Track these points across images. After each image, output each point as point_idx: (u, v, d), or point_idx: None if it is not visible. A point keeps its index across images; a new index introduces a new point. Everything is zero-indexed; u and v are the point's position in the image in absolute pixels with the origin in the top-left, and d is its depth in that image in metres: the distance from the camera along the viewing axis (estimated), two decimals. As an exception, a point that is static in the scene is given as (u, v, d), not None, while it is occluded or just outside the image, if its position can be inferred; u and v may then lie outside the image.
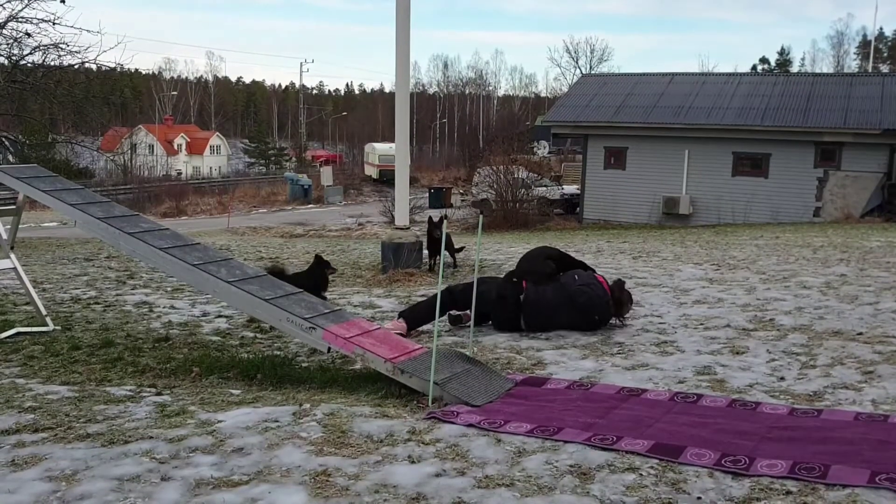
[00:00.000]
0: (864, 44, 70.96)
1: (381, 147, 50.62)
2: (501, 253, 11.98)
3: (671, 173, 23.50)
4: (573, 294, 6.16)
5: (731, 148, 22.88)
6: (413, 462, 3.42)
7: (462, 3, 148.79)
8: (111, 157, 44.43)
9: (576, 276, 6.42)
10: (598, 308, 6.15)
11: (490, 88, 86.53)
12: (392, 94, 17.76)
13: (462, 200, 30.69)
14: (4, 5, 16.29)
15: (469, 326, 5.67)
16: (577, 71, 70.68)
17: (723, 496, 3.08)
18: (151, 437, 3.70)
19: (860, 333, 5.93)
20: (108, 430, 3.81)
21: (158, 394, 4.69)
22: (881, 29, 78.64)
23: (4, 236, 6.51)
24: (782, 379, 4.83)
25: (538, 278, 6.31)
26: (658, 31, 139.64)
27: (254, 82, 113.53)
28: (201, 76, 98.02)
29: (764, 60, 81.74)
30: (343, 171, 52.31)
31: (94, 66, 17.97)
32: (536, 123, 53.03)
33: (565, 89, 52.88)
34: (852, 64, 74.82)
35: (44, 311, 6.57)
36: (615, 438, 3.67)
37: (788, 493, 3.10)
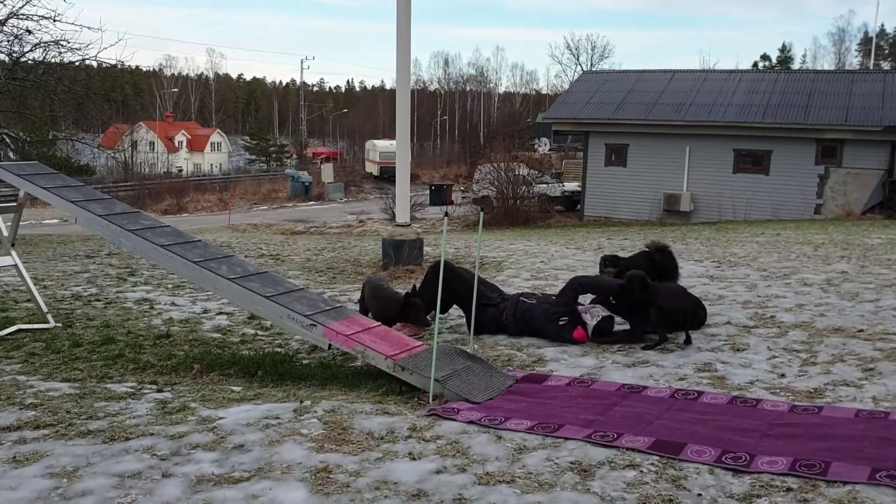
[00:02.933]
0: (866, 41, 70.81)
1: (382, 144, 50.55)
2: (502, 250, 11.98)
3: (672, 170, 23.47)
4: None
5: (732, 145, 22.85)
6: (414, 459, 3.43)
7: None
8: (112, 154, 44.39)
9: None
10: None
11: (491, 85, 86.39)
12: (393, 91, 17.74)
13: (463, 198, 30.67)
14: (5, 2, 16.29)
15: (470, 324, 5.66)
16: (578, 68, 70.52)
17: (723, 493, 3.09)
18: (152, 434, 3.71)
19: (861, 330, 5.93)
20: (109, 427, 3.82)
21: (159, 391, 4.70)
22: (882, 26, 78.53)
23: (5, 233, 6.52)
24: (783, 376, 4.84)
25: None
26: (659, 28, 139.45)
27: (254, 79, 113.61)
28: (202, 73, 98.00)
29: (765, 57, 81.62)
30: (344, 168, 52.24)
31: (94, 63, 18.01)
32: (537, 120, 52.93)
33: (566, 86, 52.82)
34: (854, 61, 74.68)
35: (45, 308, 6.58)
36: (616, 435, 3.68)
37: (789, 489, 3.10)
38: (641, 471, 3.28)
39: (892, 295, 7.29)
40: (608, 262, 6.98)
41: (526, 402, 4.31)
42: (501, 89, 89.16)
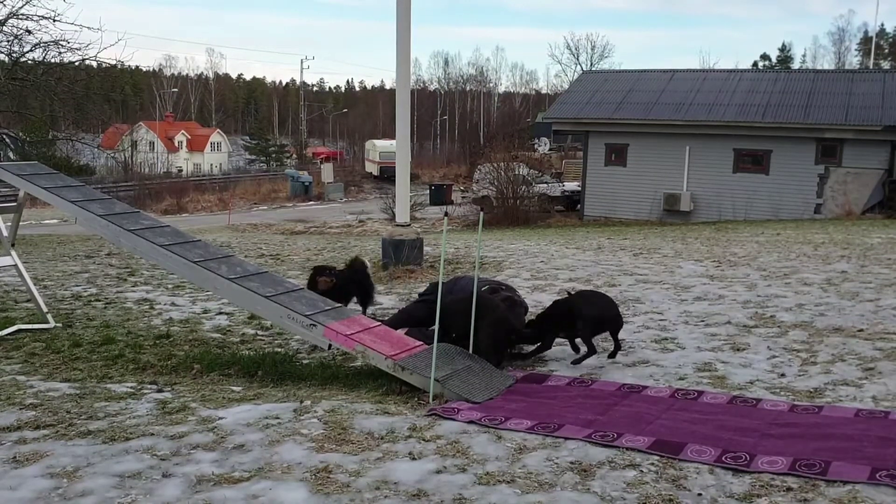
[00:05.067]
0: (866, 40, 70.77)
1: (382, 144, 50.55)
2: (502, 250, 11.97)
3: (672, 170, 23.47)
4: None
5: (732, 144, 22.85)
6: (414, 459, 3.42)
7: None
8: (112, 154, 44.47)
9: None
10: None
11: (491, 85, 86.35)
12: (393, 91, 17.74)
13: (463, 197, 30.66)
14: (5, 2, 16.28)
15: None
16: (578, 67, 70.50)
17: (723, 493, 3.08)
18: (152, 434, 3.71)
19: (861, 330, 5.93)
20: (109, 427, 3.82)
21: (159, 391, 4.70)
22: (882, 25, 78.39)
23: (5, 233, 6.52)
24: (783, 375, 4.84)
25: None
26: (659, 27, 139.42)
27: (254, 79, 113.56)
28: (202, 73, 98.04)
29: (765, 57, 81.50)
30: (344, 167, 52.26)
31: (94, 63, 17.98)
32: (537, 120, 52.89)
33: (566, 86, 52.83)
34: (853, 60, 74.64)
35: (45, 309, 6.57)
36: (616, 435, 3.68)
37: (789, 489, 3.10)
38: (641, 470, 3.28)
39: (892, 294, 7.29)
40: (323, 272, 6.60)
41: (526, 401, 4.31)
42: (501, 89, 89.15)
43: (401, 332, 5.39)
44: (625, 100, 25.10)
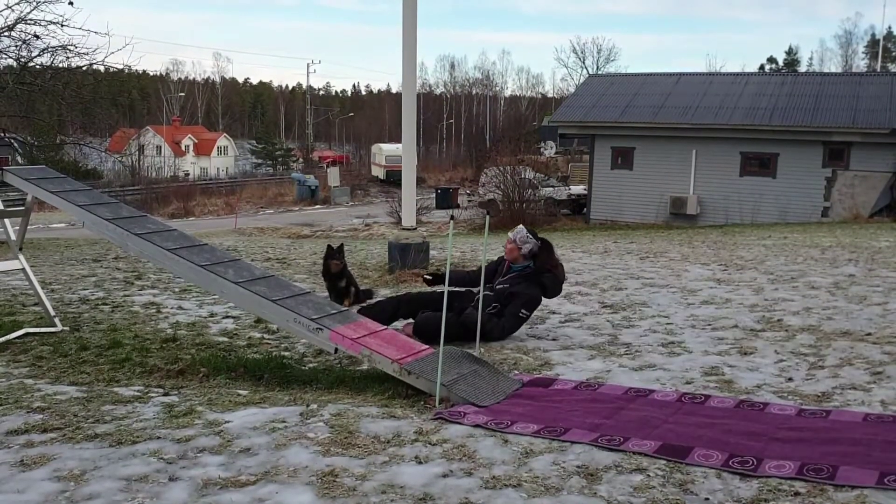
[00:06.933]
0: (873, 43, 70.69)
1: (388, 147, 50.66)
2: (508, 253, 11.95)
3: (678, 173, 23.45)
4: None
5: (738, 148, 22.83)
6: (420, 462, 3.42)
7: (469, 3, 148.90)
8: (119, 158, 44.67)
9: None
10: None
11: (497, 89, 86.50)
12: (399, 95, 17.76)
13: (469, 201, 30.67)
14: (13, 7, 16.36)
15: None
16: (584, 71, 70.56)
17: (731, 497, 3.07)
18: (159, 438, 3.71)
19: (869, 334, 5.91)
20: (117, 431, 3.83)
21: (166, 394, 4.71)
22: (889, 28, 77.99)
23: (13, 237, 6.55)
24: (790, 379, 4.82)
25: None
26: (665, 31, 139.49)
27: (261, 83, 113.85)
28: (208, 77, 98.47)
29: (772, 60, 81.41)
30: (350, 171, 52.51)
31: (102, 68, 18.06)
32: (543, 124, 53.02)
33: (572, 89, 52.86)
34: (860, 63, 74.52)
35: (52, 312, 6.60)
36: (622, 439, 3.67)
37: (797, 494, 3.08)
38: (648, 475, 3.27)
39: (901, 298, 7.26)
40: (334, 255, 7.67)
41: (532, 405, 4.30)
42: (507, 93, 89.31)
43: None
44: (631, 103, 25.11)
